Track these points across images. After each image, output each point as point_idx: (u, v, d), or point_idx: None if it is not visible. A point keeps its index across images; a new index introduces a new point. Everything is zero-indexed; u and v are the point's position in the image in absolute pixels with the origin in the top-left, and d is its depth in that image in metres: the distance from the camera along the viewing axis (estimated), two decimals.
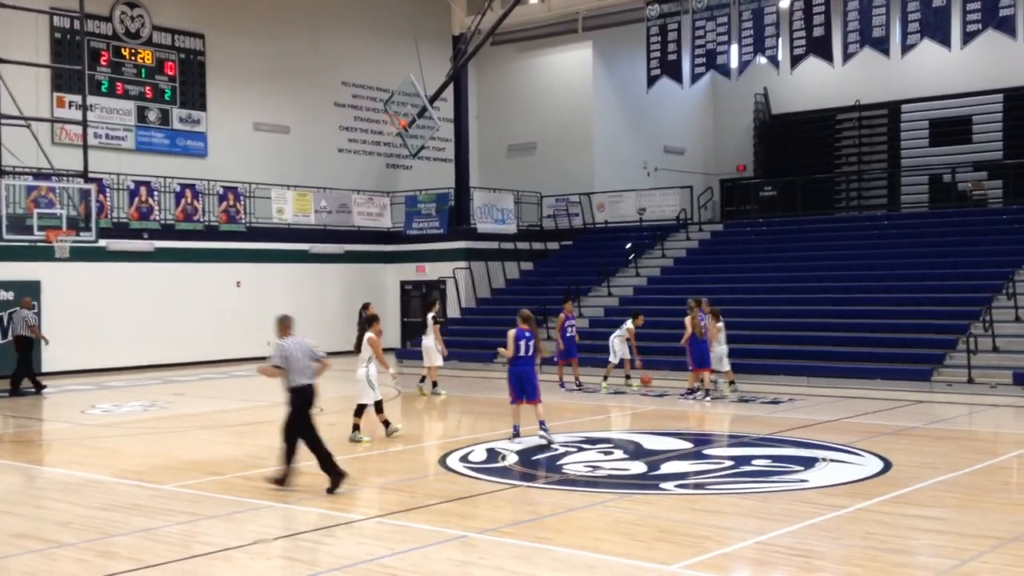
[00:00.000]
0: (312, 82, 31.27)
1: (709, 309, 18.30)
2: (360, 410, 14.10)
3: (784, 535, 8.59)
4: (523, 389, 13.47)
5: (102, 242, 23.45)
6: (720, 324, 18.20)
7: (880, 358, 19.90)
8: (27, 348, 20.55)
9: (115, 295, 24.80)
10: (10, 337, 21.32)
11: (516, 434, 13.57)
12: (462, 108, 31.76)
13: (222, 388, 22.08)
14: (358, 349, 14.27)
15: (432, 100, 28.24)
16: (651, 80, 29.71)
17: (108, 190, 25.08)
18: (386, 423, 14.28)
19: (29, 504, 10.29)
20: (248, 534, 8.73)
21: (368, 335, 14.12)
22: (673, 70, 29.28)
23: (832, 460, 12.05)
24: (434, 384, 19.48)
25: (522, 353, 13.48)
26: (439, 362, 19.42)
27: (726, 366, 18.35)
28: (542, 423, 13.34)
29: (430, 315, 19.71)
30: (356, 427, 13.99)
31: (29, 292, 23.46)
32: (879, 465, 11.63)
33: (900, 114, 33.49)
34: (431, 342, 19.29)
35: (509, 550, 8.21)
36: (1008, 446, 13.71)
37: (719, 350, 18.18)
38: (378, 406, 14.22)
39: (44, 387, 20.81)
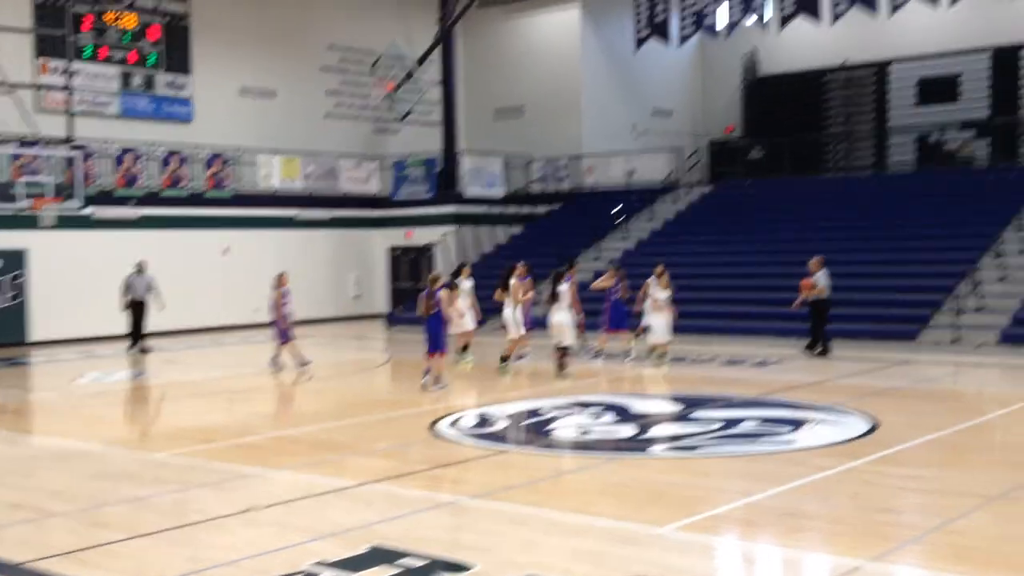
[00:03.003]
0: (298, 46, 31.00)
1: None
2: (564, 351, 16.24)
3: (773, 496, 8.67)
4: (430, 342, 14.96)
5: (88, 210, 23.34)
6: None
7: (867, 319, 20.01)
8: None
9: (102, 263, 24.64)
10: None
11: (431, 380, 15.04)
12: (449, 71, 31.55)
13: (211, 356, 22.08)
14: (553, 299, 16.36)
15: (419, 63, 28.10)
16: (639, 41, 29.65)
17: (93, 157, 24.91)
18: (563, 365, 16.19)
19: (20, 474, 10.31)
20: (240, 502, 8.76)
21: (563, 286, 16.33)
22: (661, 31, 29.22)
23: (820, 421, 12.14)
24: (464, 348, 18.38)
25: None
26: (468, 326, 18.26)
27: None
28: (427, 370, 14.97)
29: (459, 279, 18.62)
30: (563, 366, 16.21)
31: (15, 261, 23.40)
32: (866, 425, 11.72)
33: (888, 73, 33.42)
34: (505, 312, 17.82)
35: (501, 514, 8.26)
36: (993, 405, 13.84)
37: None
38: (564, 350, 16.30)
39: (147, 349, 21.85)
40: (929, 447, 10.68)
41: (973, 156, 29.08)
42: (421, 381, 15.15)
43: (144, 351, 21.79)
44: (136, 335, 21.94)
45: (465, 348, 18.26)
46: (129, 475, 10.06)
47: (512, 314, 16.81)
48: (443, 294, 15.13)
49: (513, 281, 16.85)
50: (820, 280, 18.35)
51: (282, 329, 17.98)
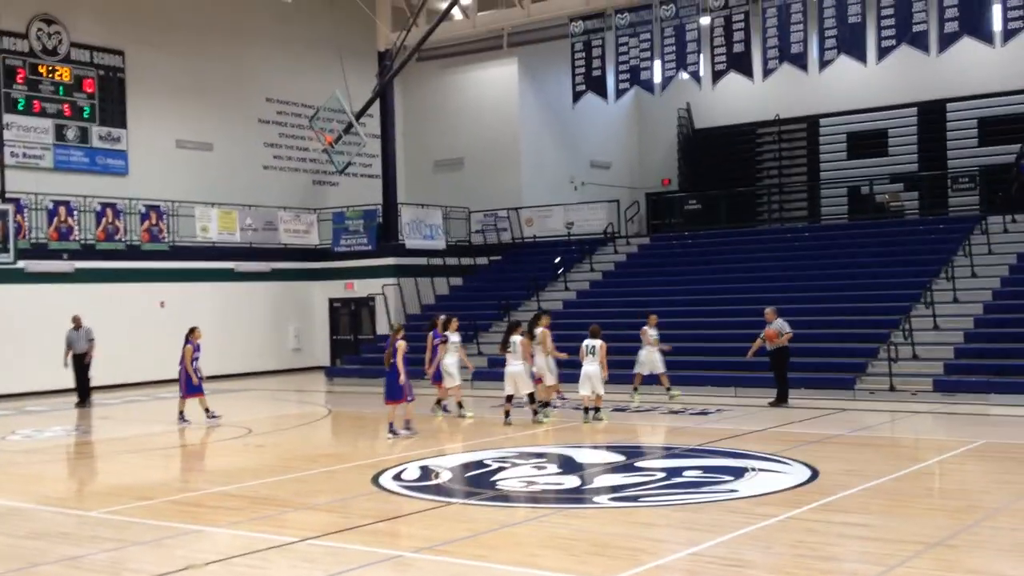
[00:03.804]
0: (235, 98, 30.94)
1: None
2: (531, 398, 16.83)
3: (716, 545, 8.69)
4: (386, 391, 15.68)
5: (20, 263, 22.92)
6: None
7: (804, 367, 20.25)
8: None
9: (35, 317, 24.19)
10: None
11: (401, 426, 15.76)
12: (388, 124, 31.70)
13: (147, 411, 21.67)
14: (505, 349, 16.78)
15: (358, 116, 28.15)
16: (576, 96, 30.01)
17: (26, 210, 24.50)
18: (535, 411, 16.84)
19: None
20: (179, 560, 8.58)
21: (515, 337, 16.65)
22: (598, 86, 29.62)
23: (761, 469, 12.23)
24: (459, 404, 18.23)
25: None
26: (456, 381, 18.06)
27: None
28: (407, 421, 15.81)
29: (447, 332, 18.24)
30: (535, 411, 16.85)
31: None
32: (807, 473, 11.84)
33: (819, 128, 34.23)
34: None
35: (445, 568, 8.19)
36: (930, 452, 14.05)
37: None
38: (531, 397, 16.90)
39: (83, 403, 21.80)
40: (869, 494, 10.80)
41: (903, 208, 29.81)
42: (392, 432, 15.62)
43: (81, 406, 21.46)
44: (83, 390, 21.83)
45: (439, 403, 18.29)
46: (64, 534, 9.81)
47: (545, 362, 17.15)
48: (400, 345, 15.40)
49: (540, 329, 17.11)
50: (785, 327, 18.47)
51: (195, 383, 18.17)
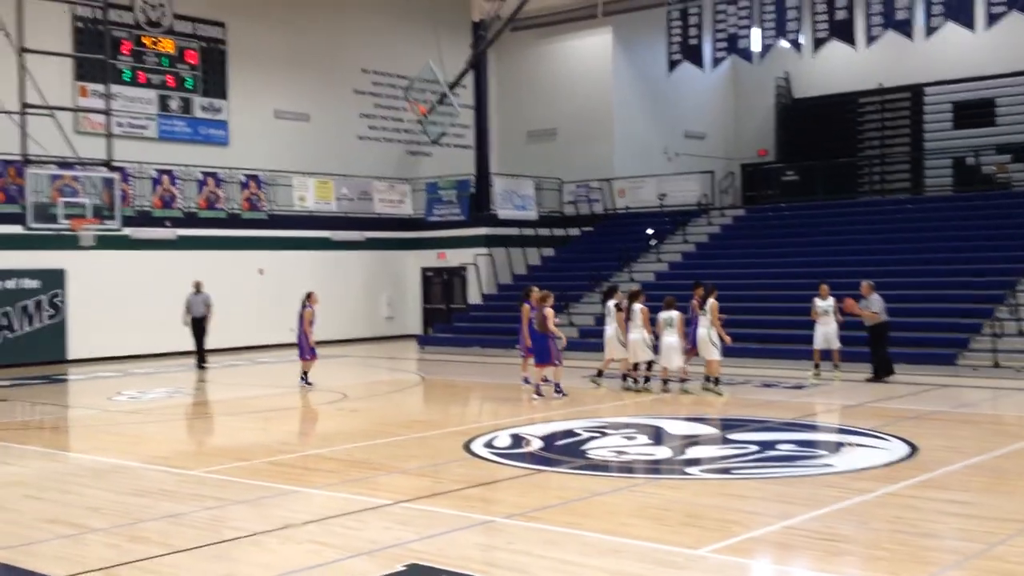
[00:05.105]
0: (332, 70, 31.30)
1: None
2: (636, 367, 17.25)
3: (810, 519, 8.58)
4: (538, 355, 16.59)
5: (126, 230, 23.60)
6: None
7: (904, 342, 19.77)
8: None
9: (139, 283, 24.98)
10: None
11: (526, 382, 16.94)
12: (482, 95, 31.74)
13: (246, 375, 22.21)
14: (628, 318, 17.11)
15: (452, 87, 28.25)
16: (672, 65, 29.66)
17: (131, 179, 25.22)
18: (643, 379, 17.28)
19: (58, 490, 10.39)
20: (277, 519, 8.79)
21: (636, 306, 16.98)
22: (694, 55, 29.22)
23: (857, 444, 12.02)
24: (600, 373, 17.81)
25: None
26: (620, 354, 17.40)
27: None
28: (538, 382, 16.54)
29: (611, 302, 17.65)
30: (641, 379, 17.25)
31: (54, 280, 23.70)
32: (905, 449, 11.59)
33: (923, 97, 33.24)
34: (612, 331, 17.45)
35: (536, 535, 8.23)
36: None
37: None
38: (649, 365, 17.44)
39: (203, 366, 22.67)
40: (969, 472, 10.54)
41: (1011, 179, 28.80)
42: (532, 394, 16.49)
43: (201, 367, 22.47)
44: (199, 352, 22.70)
45: (600, 373, 17.86)
46: (167, 492, 10.12)
47: (708, 334, 16.77)
48: (548, 312, 16.37)
49: (711, 301, 16.87)
50: (874, 304, 17.98)
51: (311, 346, 18.59)
